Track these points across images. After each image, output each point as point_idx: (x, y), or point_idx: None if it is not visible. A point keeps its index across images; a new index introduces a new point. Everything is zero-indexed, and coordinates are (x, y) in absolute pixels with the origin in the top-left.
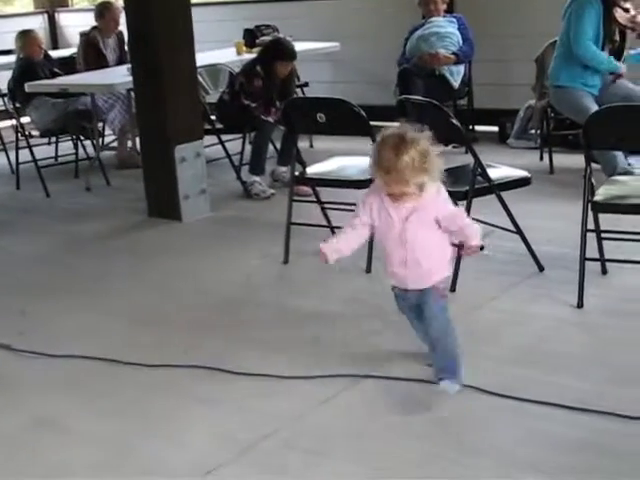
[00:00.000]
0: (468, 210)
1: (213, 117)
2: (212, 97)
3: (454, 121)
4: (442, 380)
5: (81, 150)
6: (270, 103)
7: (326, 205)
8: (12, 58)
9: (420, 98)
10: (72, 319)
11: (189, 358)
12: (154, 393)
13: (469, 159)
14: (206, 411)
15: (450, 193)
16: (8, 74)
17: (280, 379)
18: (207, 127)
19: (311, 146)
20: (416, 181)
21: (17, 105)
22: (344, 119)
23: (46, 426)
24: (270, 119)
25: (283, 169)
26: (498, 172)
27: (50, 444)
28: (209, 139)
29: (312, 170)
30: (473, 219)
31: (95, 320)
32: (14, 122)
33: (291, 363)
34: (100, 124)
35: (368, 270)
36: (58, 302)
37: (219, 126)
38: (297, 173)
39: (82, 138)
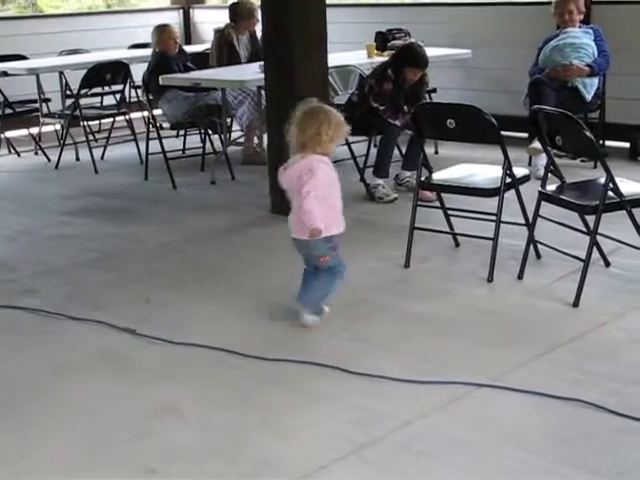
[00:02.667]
0: (597, 225)
1: None
2: (341, 98)
3: (587, 133)
4: (306, 314)
5: (208, 144)
6: (398, 107)
7: (450, 212)
8: (148, 52)
9: (553, 109)
10: (195, 309)
11: (307, 355)
12: (270, 387)
13: (596, 174)
14: (320, 408)
15: (578, 206)
16: (143, 67)
17: (394, 381)
18: None
19: (436, 152)
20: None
21: (150, 97)
22: (474, 126)
23: (168, 412)
24: (397, 123)
25: (407, 174)
26: (629, 187)
27: (171, 430)
28: None
29: (438, 176)
30: (600, 234)
31: (218, 311)
32: (146, 113)
33: (406, 366)
34: (229, 119)
35: (490, 279)
36: (182, 292)
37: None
38: (423, 178)
39: (210, 132)
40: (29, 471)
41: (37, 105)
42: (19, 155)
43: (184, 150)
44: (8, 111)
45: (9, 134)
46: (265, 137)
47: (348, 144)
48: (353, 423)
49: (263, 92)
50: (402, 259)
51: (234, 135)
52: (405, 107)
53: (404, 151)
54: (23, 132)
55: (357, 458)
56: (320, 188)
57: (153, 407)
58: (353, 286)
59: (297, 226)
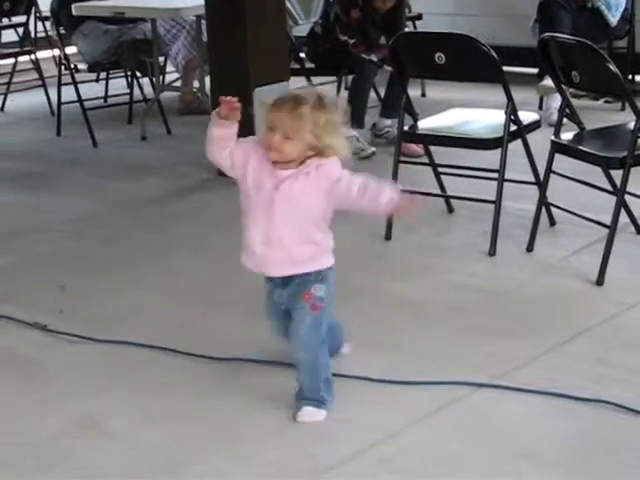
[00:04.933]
0: (625, 182)
1: (302, 54)
2: (302, 29)
3: (612, 67)
4: (304, 405)
5: (137, 90)
6: (372, 39)
7: (441, 169)
8: None
9: (569, 37)
10: (120, 298)
11: (265, 353)
12: (220, 393)
13: (624, 118)
14: (282, 418)
15: (601, 159)
16: None
17: (375, 383)
18: (294, 66)
19: (423, 95)
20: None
21: (61, 31)
22: (469, 61)
23: (87, 428)
24: (373, 57)
25: (387, 122)
26: None
27: (91, 450)
28: (296, 81)
29: (425, 124)
30: (629, 194)
31: (148, 300)
32: (57, 52)
33: (389, 364)
34: (161, 58)
35: (492, 252)
36: (104, 277)
37: (309, 65)
38: (406, 127)
39: (138, 75)
40: None
41: None
42: None
43: (106, 98)
44: None
45: None
46: (207, 80)
47: (313, 86)
48: (325, 437)
49: (203, 22)
50: (382, 229)
51: (168, 78)
52: (382, 39)
53: (382, 94)
54: None
55: None
56: None
57: (70, 423)
58: None
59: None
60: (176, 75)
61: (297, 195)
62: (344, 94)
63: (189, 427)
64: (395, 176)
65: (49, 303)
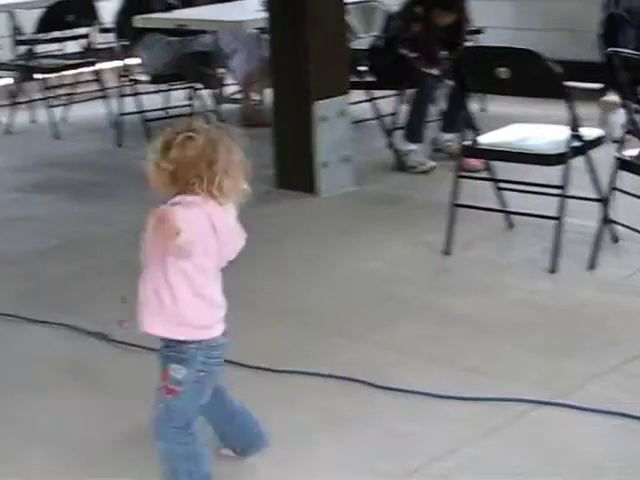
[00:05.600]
0: None
1: (363, 67)
2: (362, 43)
3: None
4: None
5: (197, 101)
6: (433, 53)
7: (501, 184)
8: None
9: (634, 52)
10: None
11: (320, 365)
12: (277, 405)
13: None
14: (339, 431)
15: None
16: (115, 5)
17: (434, 399)
18: (355, 80)
19: (484, 109)
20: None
21: (124, 43)
22: (531, 76)
23: (148, 438)
24: (434, 71)
25: (448, 137)
26: None
27: (152, 460)
28: (356, 95)
29: (486, 139)
30: None
31: None
32: (119, 64)
33: (448, 380)
34: (222, 70)
35: (553, 269)
36: None
37: (370, 79)
38: (466, 142)
39: (199, 86)
40: None
41: None
42: None
43: (166, 109)
44: None
45: None
46: (267, 92)
47: (373, 100)
48: (383, 452)
49: (264, 36)
50: (441, 244)
51: (229, 90)
52: (443, 53)
53: (443, 109)
54: None
55: None
56: None
57: (130, 432)
58: (379, 279)
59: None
60: (236, 87)
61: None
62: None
63: None
64: (455, 191)
65: (110, 313)
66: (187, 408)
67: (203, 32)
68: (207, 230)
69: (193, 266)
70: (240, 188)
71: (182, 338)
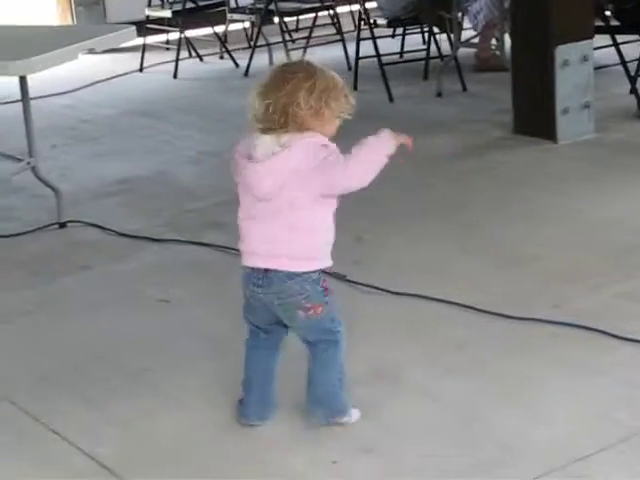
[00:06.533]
0: None
1: (607, 12)
2: None
3: None
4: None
5: (433, 46)
6: None
7: None
8: None
9: None
10: (418, 251)
11: (559, 313)
12: (515, 353)
13: None
14: (579, 382)
15: None
16: None
17: None
18: (598, 24)
19: None
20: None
21: None
22: None
23: (383, 378)
24: None
25: None
26: None
27: (388, 399)
28: (600, 39)
29: None
30: None
31: (445, 255)
32: (356, 7)
33: None
34: (460, 15)
35: None
36: (401, 229)
37: (615, 23)
38: None
39: (436, 31)
40: None
41: None
42: (202, 59)
43: (402, 53)
44: (189, 5)
45: (190, 33)
46: (507, 37)
47: (616, 45)
48: (626, 403)
49: None
50: None
51: (466, 34)
52: None
53: None
54: (207, 31)
55: (629, 448)
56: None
57: (366, 371)
58: (622, 228)
59: (278, 249)
60: (472, 32)
61: None
62: None
63: (483, 383)
64: None
65: (347, 254)
66: None
67: None
68: None
69: None
70: None
71: None
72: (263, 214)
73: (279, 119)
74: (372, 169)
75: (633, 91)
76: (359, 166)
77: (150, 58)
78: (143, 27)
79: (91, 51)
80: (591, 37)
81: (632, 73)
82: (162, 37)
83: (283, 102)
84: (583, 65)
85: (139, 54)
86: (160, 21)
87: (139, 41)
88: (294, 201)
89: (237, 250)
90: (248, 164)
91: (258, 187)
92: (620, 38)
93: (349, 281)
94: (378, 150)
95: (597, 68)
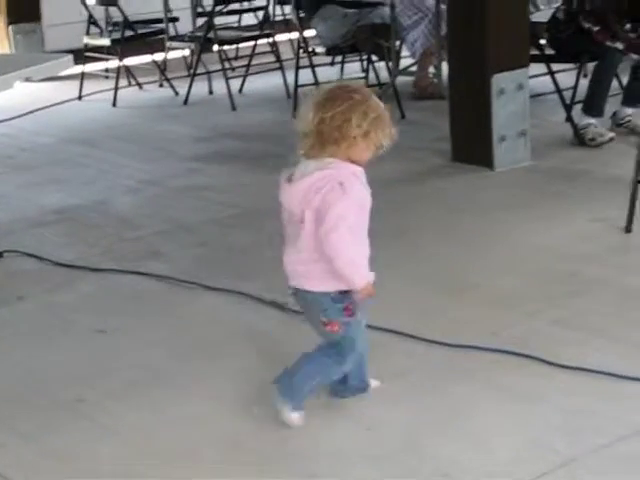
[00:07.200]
0: None
1: (543, 40)
2: (543, 15)
3: None
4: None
5: (372, 74)
6: (617, 26)
7: None
8: None
9: None
10: None
11: (498, 340)
12: (454, 380)
13: None
14: (516, 409)
15: None
16: None
17: (618, 379)
18: (534, 52)
19: None
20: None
21: (301, 15)
22: None
23: (324, 406)
24: (619, 46)
25: (629, 111)
26: None
27: (327, 428)
28: (535, 68)
29: None
30: None
31: (385, 282)
32: (295, 35)
33: (632, 360)
34: (398, 43)
35: None
36: None
37: (549, 52)
38: None
39: (375, 59)
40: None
41: (162, 26)
42: (141, 87)
43: (342, 81)
44: (128, 33)
45: (129, 61)
46: (444, 65)
47: (551, 73)
48: (563, 430)
49: (444, 7)
50: (622, 220)
51: (404, 63)
52: (627, 26)
53: (625, 82)
54: (146, 59)
55: (566, 475)
56: (350, 217)
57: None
58: (558, 255)
59: (299, 269)
60: (410, 60)
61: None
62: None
63: (425, 411)
64: (638, 167)
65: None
66: None
67: (380, 4)
68: None
69: None
70: None
71: None
72: (290, 234)
73: (331, 133)
74: (346, 262)
75: (569, 119)
76: (343, 245)
77: (89, 86)
78: (82, 55)
79: (28, 79)
80: (527, 66)
81: (567, 101)
82: (101, 65)
83: (339, 117)
84: (519, 93)
85: (78, 82)
86: (99, 49)
87: (78, 69)
88: (308, 224)
89: (175, 279)
90: (285, 185)
91: (285, 208)
92: (555, 67)
93: (289, 310)
94: (354, 273)
95: (533, 96)
